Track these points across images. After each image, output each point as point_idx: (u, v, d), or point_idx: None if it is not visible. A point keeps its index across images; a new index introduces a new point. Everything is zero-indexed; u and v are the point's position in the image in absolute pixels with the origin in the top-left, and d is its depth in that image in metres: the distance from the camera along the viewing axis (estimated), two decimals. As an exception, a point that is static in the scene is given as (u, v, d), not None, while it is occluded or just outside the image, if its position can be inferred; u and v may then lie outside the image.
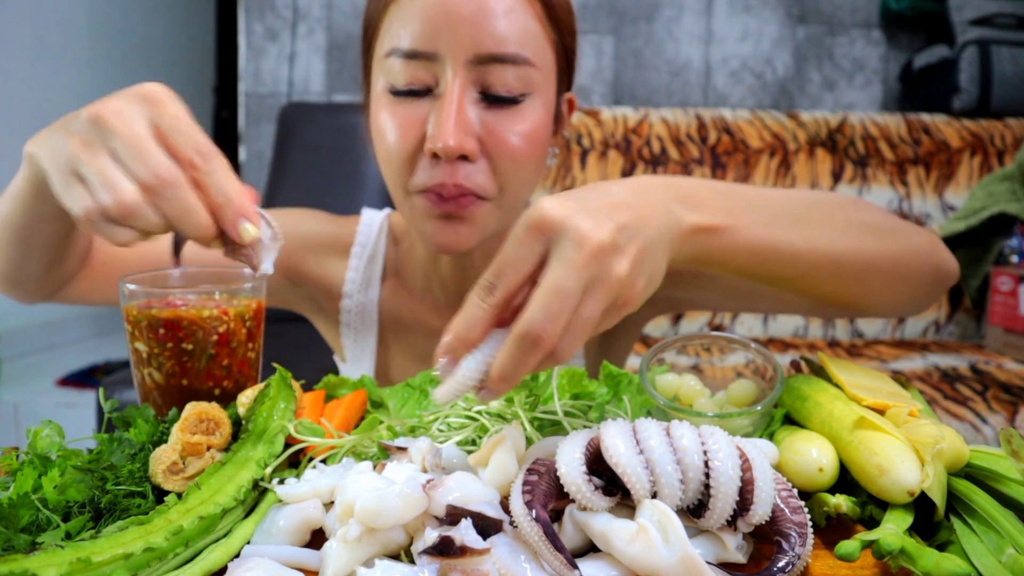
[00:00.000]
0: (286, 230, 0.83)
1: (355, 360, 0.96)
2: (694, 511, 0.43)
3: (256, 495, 0.49)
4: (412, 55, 0.70)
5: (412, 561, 0.41)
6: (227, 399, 0.62)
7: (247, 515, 0.48)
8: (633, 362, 1.52)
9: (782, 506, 0.43)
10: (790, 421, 0.59)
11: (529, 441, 0.51)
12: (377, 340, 0.95)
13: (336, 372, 0.86)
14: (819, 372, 0.62)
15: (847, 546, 0.40)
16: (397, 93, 0.72)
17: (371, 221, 0.96)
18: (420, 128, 0.71)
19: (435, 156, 0.70)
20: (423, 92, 0.71)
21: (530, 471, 0.43)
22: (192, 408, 0.53)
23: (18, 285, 0.74)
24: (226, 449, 0.53)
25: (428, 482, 0.42)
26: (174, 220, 0.48)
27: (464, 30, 0.68)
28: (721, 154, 2.22)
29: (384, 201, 1.95)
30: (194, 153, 0.49)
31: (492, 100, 0.70)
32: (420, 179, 0.72)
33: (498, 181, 0.72)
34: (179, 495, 0.46)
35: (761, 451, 0.44)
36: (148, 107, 0.49)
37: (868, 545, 0.41)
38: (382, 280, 0.94)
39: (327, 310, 0.97)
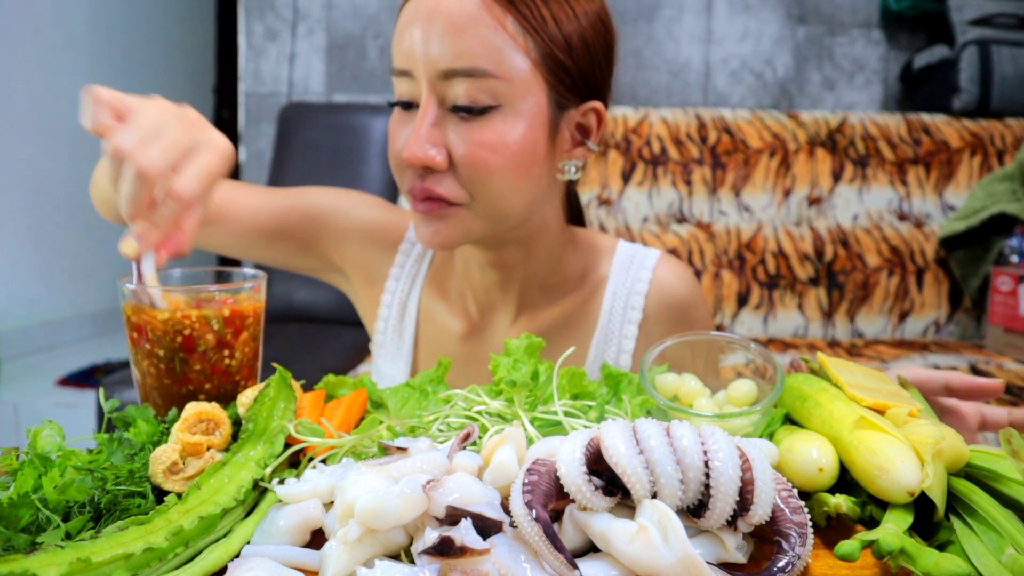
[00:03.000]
0: (341, 206, 0.96)
1: (388, 358, 0.98)
2: (694, 511, 0.43)
3: (256, 495, 0.49)
4: (398, 73, 0.76)
5: (412, 561, 0.41)
6: (226, 399, 0.62)
7: (247, 515, 0.48)
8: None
9: (782, 506, 0.43)
10: (790, 421, 0.59)
11: (529, 441, 0.51)
12: (414, 342, 0.96)
13: (336, 372, 0.85)
14: (819, 372, 0.62)
15: (847, 546, 0.40)
16: (392, 104, 0.79)
17: None
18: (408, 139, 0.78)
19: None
20: (413, 105, 0.77)
21: (530, 471, 0.43)
22: (192, 408, 0.53)
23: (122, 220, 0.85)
24: (226, 449, 0.53)
25: (428, 483, 0.42)
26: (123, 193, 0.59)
27: (427, 49, 0.72)
28: (721, 154, 2.22)
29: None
30: (176, 193, 0.58)
31: (459, 112, 0.73)
32: (404, 182, 0.79)
33: (467, 189, 0.75)
34: (179, 495, 0.46)
35: (761, 451, 0.44)
36: (188, 150, 0.59)
37: (868, 545, 0.41)
38: (424, 283, 0.96)
39: (364, 300, 1.00)
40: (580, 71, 0.77)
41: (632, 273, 0.92)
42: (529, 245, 0.86)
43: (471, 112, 0.73)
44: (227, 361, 0.62)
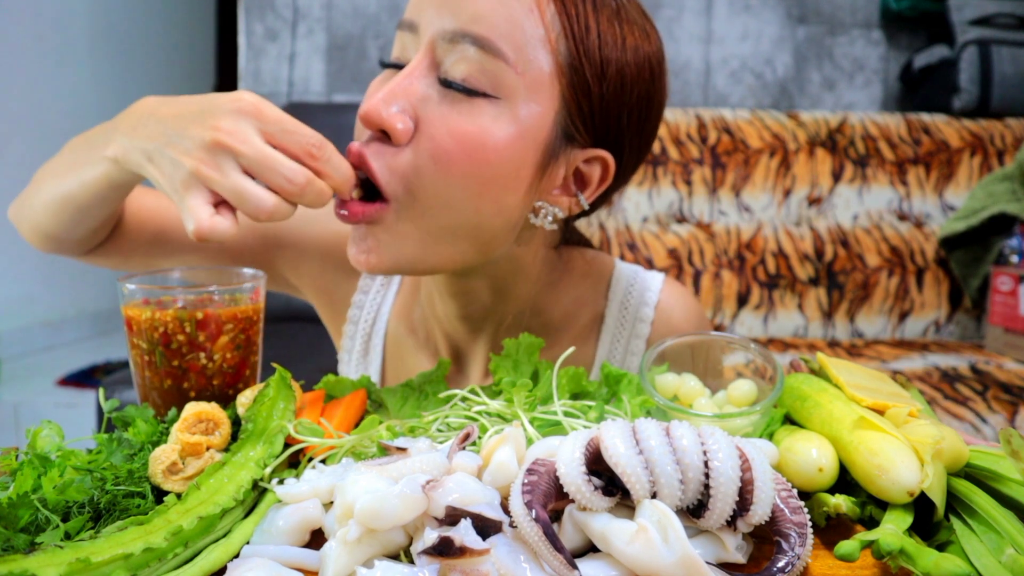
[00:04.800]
0: (291, 223, 0.83)
1: None
2: (694, 511, 0.43)
3: (256, 495, 0.49)
4: (402, 25, 0.64)
5: (412, 561, 0.41)
6: (227, 400, 0.62)
7: (247, 515, 0.48)
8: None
9: (782, 506, 0.43)
10: (790, 421, 0.58)
11: (529, 441, 0.51)
12: (380, 378, 0.86)
13: (336, 372, 0.84)
14: (819, 372, 0.62)
15: (847, 546, 0.40)
16: (384, 65, 0.67)
17: None
18: None
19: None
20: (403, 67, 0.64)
21: (530, 471, 0.43)
22: (191, 408, 0.53)
23: (60, 243, 0.76)
24: (226, 449, 0.53)
25: (428, 483, 0.42)
26: (309, 206, 0.57)
27: (443, 1, 0.61)
28: (721, 154, 2.22)
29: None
30: (309, 147, 0.56)
31: (448, 87, 0.60)
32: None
33: (410, 179, 0.60)
34: (179, 495, 0.46)
35: (761, 451, 0.44)
36: (253, 120, 0.55)
37: (868, 545, 0.41)
38: (391, 312, 0.85)
39: (328, 324, 0.90)
40: (604, 105, 0.64)
41: (631, 310, 0.80)
42: (497, 283, 0.73)
43: (460, 91, 0.60)
44: (204, 362, 0.61)
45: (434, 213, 0.62)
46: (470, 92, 0.60)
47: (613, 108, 0.64)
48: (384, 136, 0.61)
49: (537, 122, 0.62)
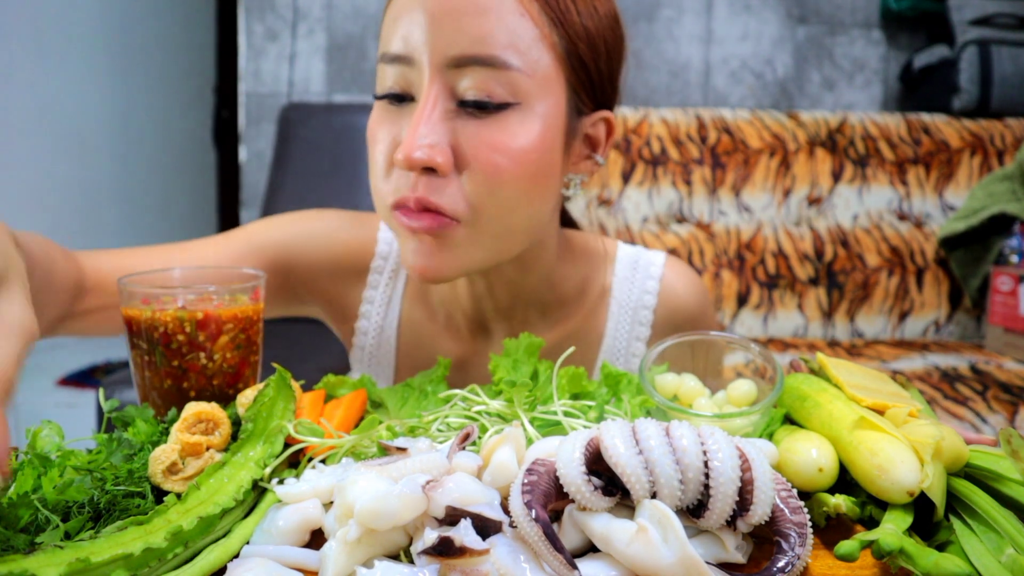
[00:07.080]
0: (299, 241, 0.83)
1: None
2: (694, 511, 0.43)
3: (255, 495, 0.49)
4: (392, 59, 0.65)
5: (412, 561, 0.41)
6: (227, 400, 0.62)
7: (246, 515, 0.48)
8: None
9: (782, 506, 0.43)
10: (790, 421, 0.58)
11: (529, 441, 0.51)
12: (395, 368, 0.87)
13: (337, 372, 0.83)
14: (819, 372, 0.62)
15: (846, 546, 0.40)
16: (380, 98, 0.68)
17: (391, 237, 0.86)
18: (398, 138, 0.66)
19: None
20: (407, 99, 0.66)
21: (530, 471, 0.43)
22: (191, 408, 0.53)
23: None
24: (225, 449, 0.53)
25: (428, 483, 0.42)
26: None
27: (438, 30, 0.62)
28: (721, 154, 2.22)
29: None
30: None
31: (471, 108, 0.63)
32: (390, 191, 0.66)
33: (473, 200, 0.64)
34: (178, 495, 0.46)
35: (761, 451, 0.44)
36: None
37: (868, 545, 0.41)
38: (403, 301, 0.87)
39: (337, 329, 0.91)
40: (599, 73, 0.69)
41: (638, 283, 0.85)
42: (524, 262, 0.77)
43: (483, 109, 0.62)
44: (204, 362, 0.61)
45: (499, 220, 0.66)
46: (492, 106, 0.63)
47: (605, 71, 0.71)
48: (428, 171, 0.64)
49: (555, 112, 0.66)
